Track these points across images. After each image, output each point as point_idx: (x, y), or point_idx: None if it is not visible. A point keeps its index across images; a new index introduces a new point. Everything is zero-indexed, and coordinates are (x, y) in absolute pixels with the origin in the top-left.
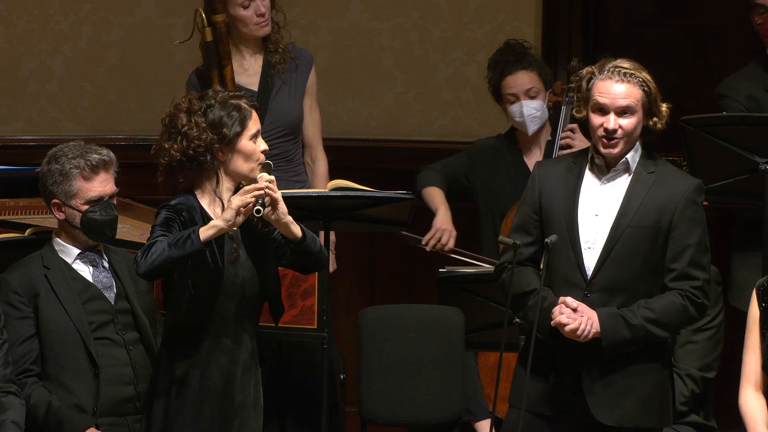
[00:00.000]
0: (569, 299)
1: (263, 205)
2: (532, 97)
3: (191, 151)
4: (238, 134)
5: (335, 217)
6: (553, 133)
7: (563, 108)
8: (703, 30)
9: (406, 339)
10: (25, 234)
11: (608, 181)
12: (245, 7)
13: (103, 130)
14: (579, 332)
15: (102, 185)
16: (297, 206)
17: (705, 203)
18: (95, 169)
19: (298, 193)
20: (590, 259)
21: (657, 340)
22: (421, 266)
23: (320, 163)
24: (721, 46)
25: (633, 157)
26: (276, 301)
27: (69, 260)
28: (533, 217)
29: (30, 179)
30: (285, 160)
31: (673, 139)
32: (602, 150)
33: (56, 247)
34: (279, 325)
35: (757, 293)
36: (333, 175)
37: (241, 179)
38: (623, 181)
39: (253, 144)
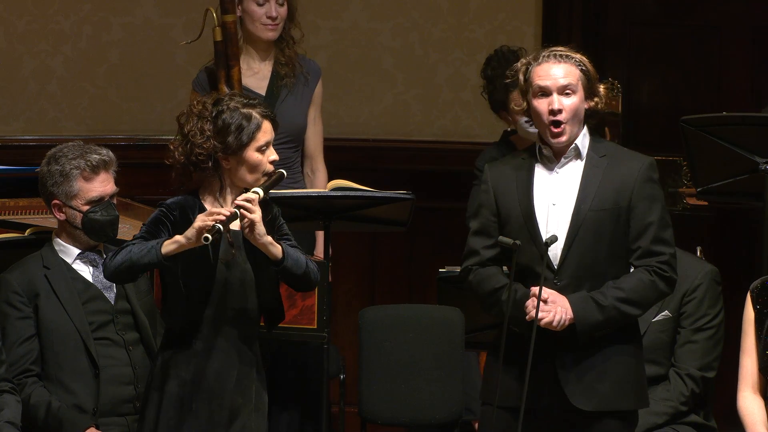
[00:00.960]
0: (538, 290)
1: (219, 232)
2: None
3: (194, 157)
4: (244, 145)
5: (335, 217)
6: None
7: None
8: (703, 30)
9: (406, 339)
10: (25, 234)
11: (560, 168)
12: (259, 4)
13: (103, 130)
14: (555, 323)
15: (102, 185)
16: (297, 206)
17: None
18: (95, 169)
19: (298, 193)
20: (555, 249)
21: (630, 320)
22: (421, 266)
23: (320, 175)
24: (721, 46)
25: (582, 142)
26: (272, 307)
27: (69, 260)
28: (492, 219)
29: (30, 179)
30: (284, 167)
31: (673, 139)
32: (551, 140)
33: (56, 247)
34: (279, 325)
35: (751, 295)
36: (333, 175)
37: (245, 186)
38: (576, 167)
39: (260, 155)
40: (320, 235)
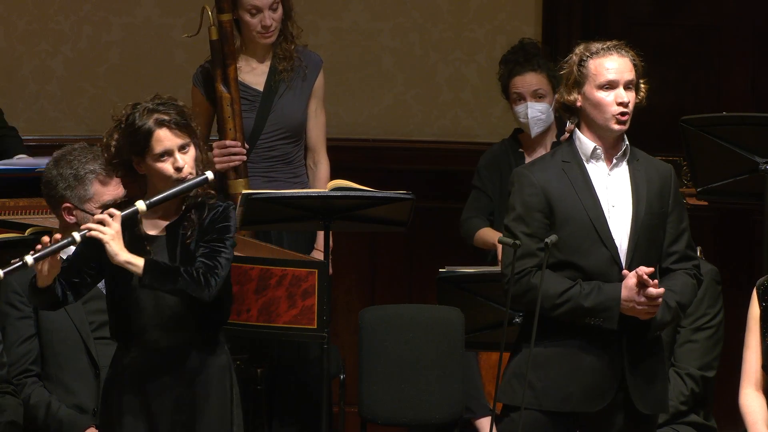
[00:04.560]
0: (646, 269)
1: (36, 254)
2: (540, 97)
3: (110, 165)
4: (141, 154)
5: (335, 217)
6: (559, 134)
7: None
8: (703, 30)
9: (406, 339)
10: (25, 234)
11: (612, 169)
12: (252, 15)
13: (103, 130)
14: (656, 293)
15: (115, 189)
16: (297, 206)
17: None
18: (111, 173)
19: (298, 193)
20: (621, 252)
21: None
22: (421, 266)
23: (322, 167)
24: (721, 46)
25: (627, 142)
26: (203, 311)
27: None
28: (544, 222)
29: (30, 179)
30: (285, 162)
31: (673, 139)
32: (615, 127)
33: None
34: (279, 325)
35: (757, 292)
36: (333, 175)
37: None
38: (624, 169)
39: (161, 164)
40: (320, 235)
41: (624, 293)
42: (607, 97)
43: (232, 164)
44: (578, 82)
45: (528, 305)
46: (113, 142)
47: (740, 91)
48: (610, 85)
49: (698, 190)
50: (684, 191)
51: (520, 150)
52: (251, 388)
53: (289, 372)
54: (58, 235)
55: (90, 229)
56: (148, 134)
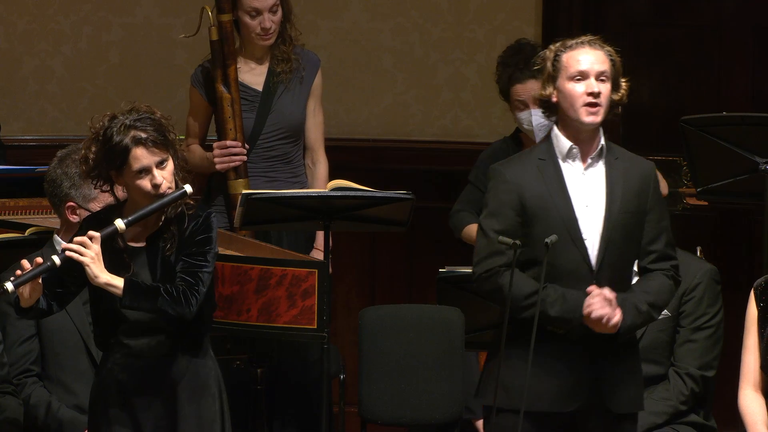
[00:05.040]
0: (606, 290)
1: (15, 281)
2: None
3: (90, 178)
4: (119, 170)
5: (335, 217)
6: None
7: None
8: (702, 30)
9: (406, 339)
10: (25, 234)
11: (587, 169)
12: (251, 17)
13: None
14: (614, 324)
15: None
16: (297, 206)
17: (704, 203)
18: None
19: (298, 193)
20: (592, 251)
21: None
22: (421, 266)
23: (321, 166)
24: (721, 46)
25: (603, 142)
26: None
27: None
28: (517, 219)
29: (30, 179)
30: (284, 161)
31: (673, 139)
32: (586, 119)
33: (57, 247)
34: (279, 325)
35: (755, 293)
36: (333, 175)
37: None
38: (600, 168)
39: (139, 181)
40: (320, 234)
41: (586, 309)
42: (578, 87)
43: (232, 164)
44: (552, 76)
45: (497, 304)
46: (91, 155)
47: (740, 91)
48: (582, 76)
49: (698, 190)
50: (684, 191)
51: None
52: (251, 388)
53: (289, 372)
54: (39, 259)
55: (70, 250)
56: (126, 152)
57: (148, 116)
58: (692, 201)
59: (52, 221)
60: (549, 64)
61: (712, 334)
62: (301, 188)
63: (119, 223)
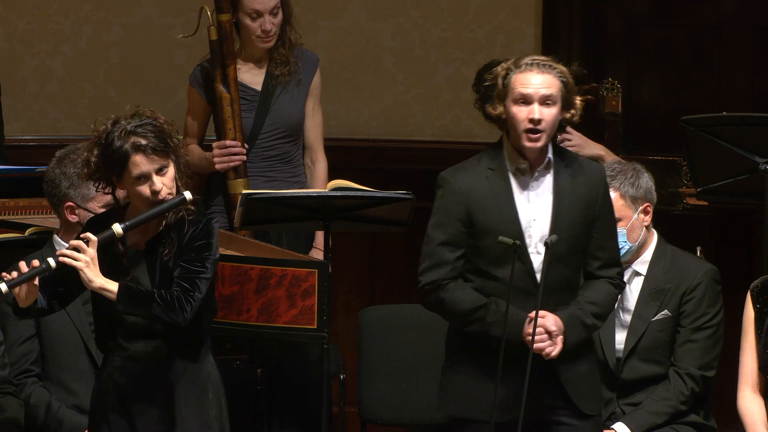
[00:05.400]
0: (548, 319)
1: (9, 282)
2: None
3: (92, 181)
4: (119, 177)
5: (335, 217)
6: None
7: None
8: (702, 30)
9: (406, 339)
10: (25, 234)
11: (534, 181)
12: (252, 19)
13: None
14: (555, 355)
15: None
16: (297, 206)
17: (704, 203)
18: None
19: (298, 193)
20: (537, 266)
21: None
22: None
23: (320, 165)
24: (721, 46)
25: (551, 154)
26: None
27: None
28: (462, 230)
29: (30, 179)
30: (284, 161)
31: (673, 139)
32: (526, 144)
33: (57, 247)
34: (279, 325)
35: (751, 294)
36: (333, 175)
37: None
38: (548, 180)
39: (138, 187)
40: (319, 234)
41: (526, 337)
42: (520, 113)
43: (232, 164)
44: (501, 95)
45: (441, 316)
46: (93, 159)
47: (740, 91)
48: (525, 100)
49: (698, 190)
50: (684, 191)
51: None
52: (251, 388)
53: (289, 372)
54: (35, 262)
55: (65, 255)
56: (125, 158)
57: (150, 122)
58: (692, 201)
59: (52, 221)
60: (500, 81)
61: (713, 334)
62: (300, 188)
63: (116, 228)
